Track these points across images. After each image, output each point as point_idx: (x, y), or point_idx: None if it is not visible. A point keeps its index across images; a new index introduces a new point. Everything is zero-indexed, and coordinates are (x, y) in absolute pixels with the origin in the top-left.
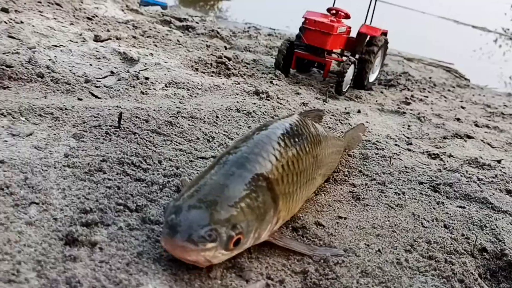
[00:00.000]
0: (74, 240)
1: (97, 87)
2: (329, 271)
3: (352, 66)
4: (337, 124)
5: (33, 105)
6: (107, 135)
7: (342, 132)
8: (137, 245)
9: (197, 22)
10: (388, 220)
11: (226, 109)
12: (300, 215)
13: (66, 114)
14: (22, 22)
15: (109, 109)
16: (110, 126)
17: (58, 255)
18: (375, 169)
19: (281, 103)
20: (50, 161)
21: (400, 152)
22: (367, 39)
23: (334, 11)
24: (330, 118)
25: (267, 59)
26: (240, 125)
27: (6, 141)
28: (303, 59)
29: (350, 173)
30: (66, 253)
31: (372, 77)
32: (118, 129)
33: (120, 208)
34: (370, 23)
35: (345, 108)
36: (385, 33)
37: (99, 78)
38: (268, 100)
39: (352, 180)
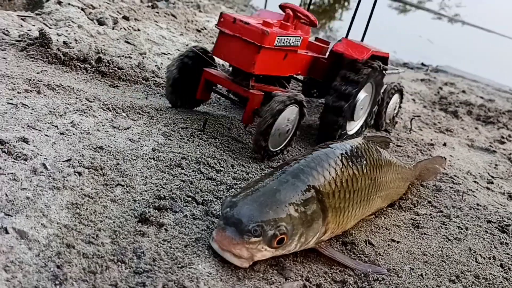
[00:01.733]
0: (146, 219)
1: None
2: (367, 286)
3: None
4: (417, 154)
5: (135, 104)
6: (191, 137)
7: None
8: (197, 232)
9: None
10: (441, 250)
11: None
12: (353, 232)
13: (160, 115)
14: (138, 30)
15: (198, 115)
16: (196, 129)
17: (131, 229)
18: (445, 202)
19: None
20: (139, 153)
21: (476, 189)
22: (351, 63)
23: (289, 10)
24: (412, 147)
25: None
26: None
27: (107, 131)
28: (216, 85)
29: (419, 202)
30: (137, 229)
31: (352, 126)
32: (202, 133)
33: (189, 199)
34: (362, 40)
35: (431, 140)
36: (381, 58)
37: None
38: None
39: (417, 209)
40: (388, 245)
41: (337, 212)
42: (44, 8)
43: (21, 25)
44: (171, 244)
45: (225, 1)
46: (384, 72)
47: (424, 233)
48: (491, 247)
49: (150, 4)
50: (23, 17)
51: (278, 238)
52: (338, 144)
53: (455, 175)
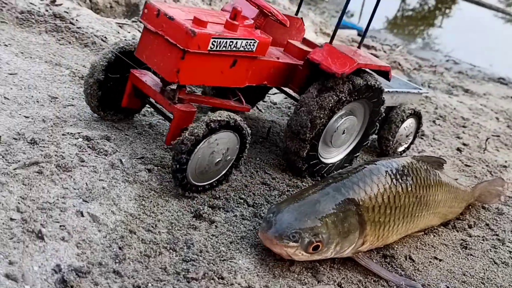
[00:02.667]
0: (200, 215)
1: (263, 101)
2: None
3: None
4: (486, 175)
5: None
6: (254, 143)
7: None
8: (243, 231)
9: (384, 51)
10: (483, 273)
11: None
12: (396, 246)
13: None
14: None
15: (264, 123)
16: (260, 136)
17: (186, 222)
18: (504, 226)
19: None
20: None
21: None
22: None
23: (237, 6)
24: (482, 168)
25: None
26: None
27: None
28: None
29: (476, 224)
30: (191, 223)
31: (332, 154)
32: (265, 140)
33: (241, 201)
34: (359, 47)
35: (505, 162)
36: (379, 72)
37: (270, 94)
38: None
39: (472, 230)
40: (430, 262)
41: (376, 226)
42: (139, 16)
43: (118, 32)
44: (218, 239)
45: None
46: (380, 89)
47: (471, 254)
48: None
49: None
50: (120, 24)
51: (314, 245)
52: (384, 161)
53: None
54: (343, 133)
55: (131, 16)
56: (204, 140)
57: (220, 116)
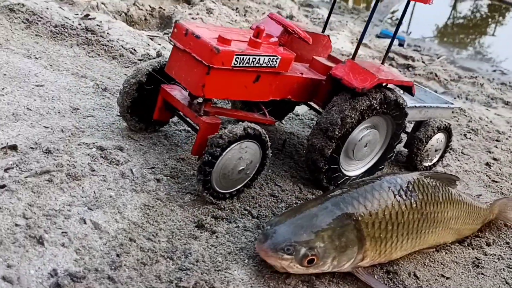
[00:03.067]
0: (202, 225)
1: None
2: None
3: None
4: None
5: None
6: None
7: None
8: (244, 242)
9: (423, 62)
10: None
11: None
12: (402, 262)
13: None
14: None
15: (281, 134)
16: (275, 148)
17: (187, 232)
18: None
19: None
20: None
21: None
22: (353, 92)
23: (261, 25)
24: (511, 184)
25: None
26: None
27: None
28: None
29: (494, 242)
30: (192, 233)
31: (355, 167)
32: (280, 152)
33: (245, 212)
34: (383, 62)
35: None
36: (402, 86)
37: None
38: None
39: (488, 248)
40: (435, 279)
41: (377, 242)
42: (172, 28)
43: (148, 44)
44: (216, 250)
45: None
46: (402, 103)
47: (482, 273)
48: None
49: None
50: (151, 37)
51: (309, 259)
52: (388, 177)
53: None
54: (366, 146)
55: (164, 28)
56: (239, 142)
57: (256, 127)
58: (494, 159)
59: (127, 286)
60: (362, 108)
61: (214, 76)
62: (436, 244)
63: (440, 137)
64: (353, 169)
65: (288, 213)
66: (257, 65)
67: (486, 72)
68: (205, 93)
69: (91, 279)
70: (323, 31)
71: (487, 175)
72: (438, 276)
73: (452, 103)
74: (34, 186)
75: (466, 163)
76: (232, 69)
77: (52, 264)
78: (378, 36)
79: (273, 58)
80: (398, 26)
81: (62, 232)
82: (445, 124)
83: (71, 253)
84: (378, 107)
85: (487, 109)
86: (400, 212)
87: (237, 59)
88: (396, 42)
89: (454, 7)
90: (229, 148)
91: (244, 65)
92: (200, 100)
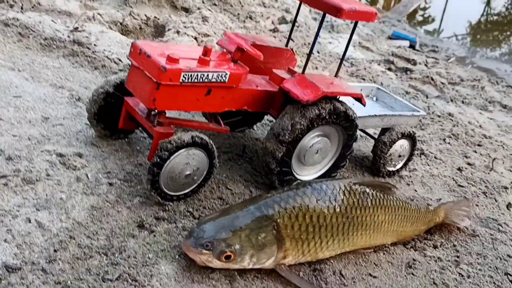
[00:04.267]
0: (143, 225)
1: None
2: None
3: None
4: (478, 196)
5: None
6: (228, 160)
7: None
8: (179, 240)
9: (425, 65)
10: None
11: None
12: (332, 261)
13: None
14: None
15: (246, 140)
16: (236, 153)
17: (127, 231)
18: (472, 248)
19: None
20: None
21: None
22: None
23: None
24: (479, 188)
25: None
26: None
27: None
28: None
29: (442, 244)
30: (132, 232)
31: (308, 171)
32: (240, 157)
33: (188, 214)
34: (336, 75)
35: (511, 183)
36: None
37: None
38: None
39: (430, 250)
40: (362, 278)
41: (297, 242)
42: (164, 37)
43: None
44: (150, 247)
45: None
46: (351, 115)
47: (412, 274)
48: None
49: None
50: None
51: (226, 255)
52: (315, 183)
53: (505, 223)
54: (317, 152)
55: (159, 36)
56: (186, 148)
57: (203, 136)
58: (469, 164)
59: (57, 277)
60: (312, 116)
61: (164, 91)
62: (371, 245)
63: (404, 143)
64: (306, 174)
65: (215, 214)
66: (206, 80)
67: (505, 72)
68: (156, 106)
69: (26, 271)
70: (286, 45)
71: (454, 180)
72: (365, 275)
73: (418, 111)
74: None
75: (437, 168)
76: (181, 85)
77: None
78: (390, 38)
79: (222, 74)
80: (346, 47)
81: (7, 230)
82: (409, 132)
83: (12, 248)
84: (327, 117)
85: (480, 113)
86: (322, 215)
87: (184, 75)
88: (406, 43)
89: (488, 3)
90: (177, 153)
91: (192, 81)
92: (154, 112)
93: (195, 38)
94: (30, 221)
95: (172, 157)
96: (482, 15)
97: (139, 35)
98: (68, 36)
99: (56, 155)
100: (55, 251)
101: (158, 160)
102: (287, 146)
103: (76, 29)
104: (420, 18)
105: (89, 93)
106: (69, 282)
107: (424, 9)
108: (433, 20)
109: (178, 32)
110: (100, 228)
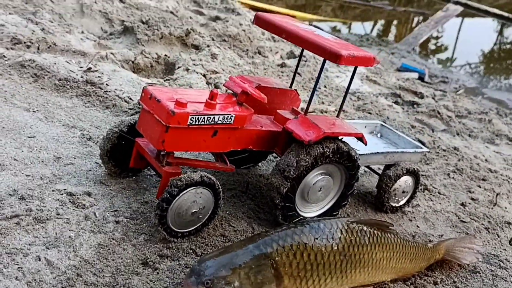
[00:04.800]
0: (147, 263)
1: None
2: None
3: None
4: (480, 232)
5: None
6: (232, 197)
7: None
8: (181, 277)
9: (433, 97)
10: None
11: None
12: None
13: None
14: None
15: (250, 177)
16: (239, 190)
17: (132, 269)
18: (472, 285)
19: None
20: None
21: None
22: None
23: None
24: (481, 224)
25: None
26: None
27: None
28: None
29: (442, 281)
30: (136, 269)
31: (311, 209)
32: (244, 193)
33: (190, 251)
34: (338, 115)
35: None
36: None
37: None
38: None
39: (430, 287)
40: None
41: (296, 280)
42: (174, 75)
43: None
44: (153, 284)
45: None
46: (354, 155)
47: None
48: None
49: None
50: (151, 84)
51: None
52: (312, 222)
53: (506, 259)
54: (320, 190)
55: (169, 74)
56: (195, 187)
57: (211, 177)
58: (472, 199)
59: None
60: (316, 154)
61: (172, 133)
62: (370, 282)
63: (407, 179)
64: (309, 211)
65: (215, 253)
66: (212, 122)
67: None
68: (165, 148)
69: None
70: (290, 86)
71: (457, 215)
72: None
73: (421, 147)
74: (3, 228)
75: (440, 203)
76: (188, 127)
77: None
78: (398, 70)
79: (228, 116)
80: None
81: (18, 268)
82: (413, 168)
83: (22, 285)
84: (331, 156)
85: (486, 147)
86: (320, 253)
87: (192, 118)
88: (415, 76)
89: (500, 32)
90: (186, 190)
91: (199, 123)
92: (163, 152)
93: (204, 75)
94: (40, 259)
95: (181, 194)
96: (495, 43)
97: (150, 73)
98: (82, 77)
99: (67, 194)
100: None
101: (168, 196)
102: (292, 182)
103: (89, 69)
104: (433, 47)
105: (99, 132)
106: None
107: (437, 38)
108: (445, 48)
109: (187, 69)
110: (106, 265)
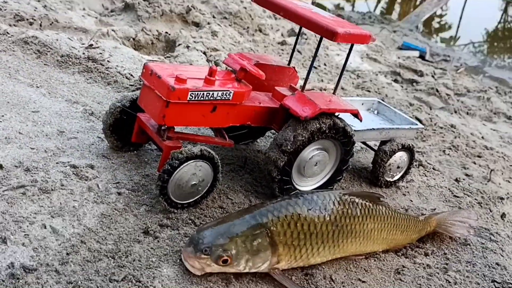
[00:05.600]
0: (148, 232)
1: None
2: None
3: (402, 154)
4: (473, 207)
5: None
6: (230, 172)
7: None
8: (181, 246)
9: (433, 76)
10: None
11: None
12: (323, 267)
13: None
14: None
15: (248, 152)
16: (238, 165)
17: (133, 237)
18: (462, 256)
19: None
20: None
21: (511, 252)
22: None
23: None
24: (475, 199)
25: None
26: None
27: None
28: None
29: (433, 252)
30: (137, 238)
31: (307, 183)
32: (242, 168)
33: (189, 221)
34: (334, 92)
35: (507, 194)
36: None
37: None
38: None
39: (421, 258)
40: (351, 283)
41: (290, 248)
42: (175, 52)
43: None
44: (154, 252)
45: None
46: (349, 131)
47: (400, 279)
48: None
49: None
50: (152, 61)
51: (223, 259)
52: (306, 194)
53: (497, 233)
54: (316, 165)
55: (169, 51)
56: (195, 160)
57: (211, 151)
58: (467, 175)
59: (69, 278)
60: (313, 129)
61: (173, 109)
62: (362, 252)
63: (402, 155)
64: (305, 185)
65: (213, 222)
66: (211, 98)
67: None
68: (166, 122)
69: (41, 271)
70: (289, 63)
71: (450, 190)
72: (354, 280)
73: (416, 124)
74: (10, 198)
75: (434, 179)
76: (188, 103)
77: (11, 259)
78: (399, 48)
79: (227, 92)
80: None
81: (25, 235)
82: (408, 144)
83: (29, 251)
84: (327, 131)
85: (484, 124)
86: (312, 224)
87: (192, 94)
88: (416, 54)
89: (505, 11)
90: (186, 163)
91: (199, 99)
92: (164, 127)
93: (204, 53)
94: (45, 227)
95: (182, 166)
96: (500, 22)
97: (151, 50)
98: (83, 53)
99: (70, 167)
100: (67, 254)
101: (169, 168)
102: (289, 156)
103: (91, 46)
104: (436, 25)
105: (101, 108)
106: (79, 282)
107: (441, 16)
108: (449, 27)
109: (188, 47)
110: (109, 234)
